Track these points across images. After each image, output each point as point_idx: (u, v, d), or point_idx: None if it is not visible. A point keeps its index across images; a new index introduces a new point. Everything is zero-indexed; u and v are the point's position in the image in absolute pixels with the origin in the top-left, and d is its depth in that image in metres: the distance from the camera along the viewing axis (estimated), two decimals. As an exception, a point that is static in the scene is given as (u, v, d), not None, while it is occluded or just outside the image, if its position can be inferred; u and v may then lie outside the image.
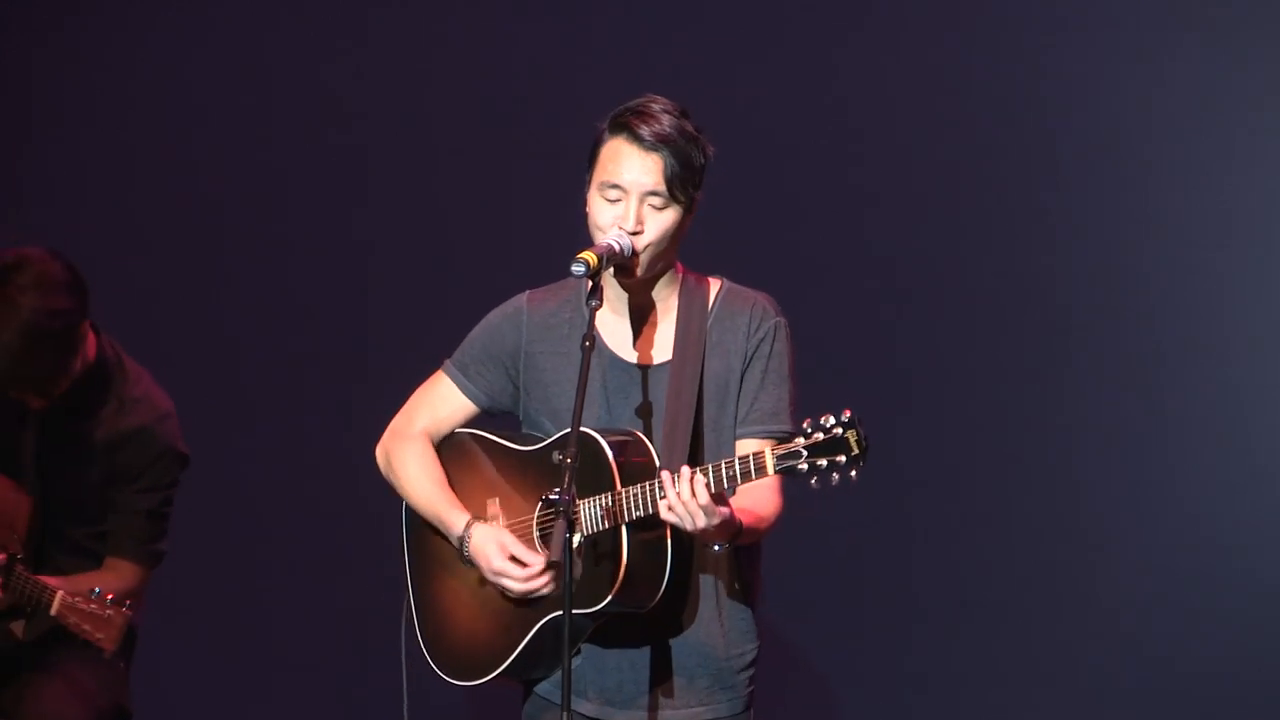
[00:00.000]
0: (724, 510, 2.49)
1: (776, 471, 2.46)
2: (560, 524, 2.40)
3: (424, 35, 5.06)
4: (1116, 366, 4.64)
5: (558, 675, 2.59)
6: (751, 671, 2.70)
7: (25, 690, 3.24)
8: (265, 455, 4.74)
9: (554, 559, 2.47)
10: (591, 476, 2.54)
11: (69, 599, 3.18)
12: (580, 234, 2.73)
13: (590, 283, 2.55)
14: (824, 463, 2.44)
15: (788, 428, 2.65)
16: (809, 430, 2.48)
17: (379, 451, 2.82)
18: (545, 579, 2.55)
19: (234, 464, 4.67)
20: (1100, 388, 4.65)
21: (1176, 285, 4.62)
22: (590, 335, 2.52)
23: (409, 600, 2.79)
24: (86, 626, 3.19)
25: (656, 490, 2.48)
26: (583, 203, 2.67)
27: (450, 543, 2.69)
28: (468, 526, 2.63)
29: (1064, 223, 4.68)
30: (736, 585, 2.67)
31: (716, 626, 2.65)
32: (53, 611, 3.17)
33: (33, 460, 3.31)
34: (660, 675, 2.64)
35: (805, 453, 2.44)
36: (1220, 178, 4.59)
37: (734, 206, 4.32)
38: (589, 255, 2.53)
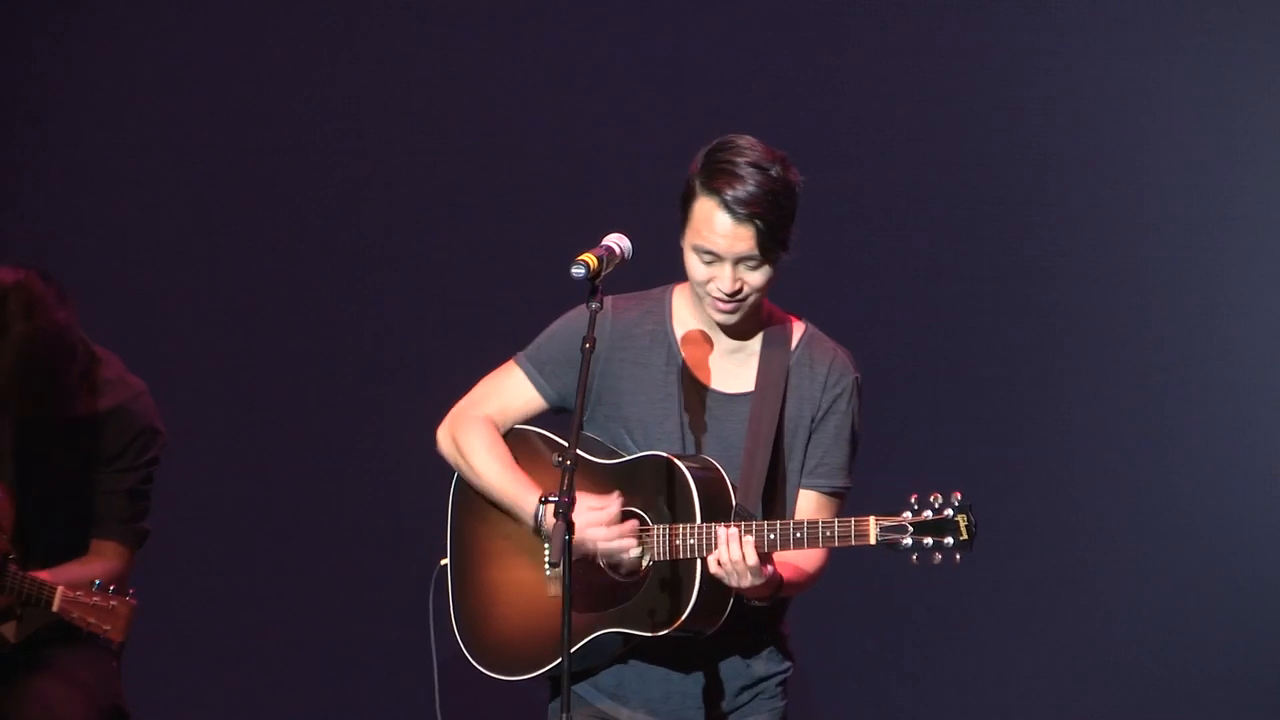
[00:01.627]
0: (769, 570, 2.53)
1: (878, 543, 2.49)
2: (559, 525, 2.40)
3: (423, 35, 5.08)
4: (1116, 366, 4.66)
5: (598, 679, 2.65)
6: (784, 689, 2.74)
7: (21, 690, 3.24)
8: (267, 454, 4.75)
9: (552, 561, 2.50)
10: (670, 504, 2.57)
11: (70, 594, 3.18)
12: (577, 232, 2.79)
13: (590, 285, 2.54)
14: (929, 541, 2.47)
15: (849, 484, 2.72)
16: (917, 507, 2.51)
17: (441, 434, 2.80)
18: (626, 529, 2.57)
19: (242, 464, 4.70)
20: (1098, 388, 4.67)
21: (1176, 285, 4.63)
22: (591, 338, 2.52)
23: (449, 584, 2.78)
24: (92, 620, 3.19)
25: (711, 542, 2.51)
26: (678, 246, 2.68)
27: (506, 525, 2.70)
28: (542, 500, 2.60)
29: (1063, 223, 4.69)
30: (776, 610, 2.71)
31: (757, 646, 2.69)
32: (55, 608, 3.16)
33: (10, 453, 3.31)
34: (703, 688, 2.67)
35: (911, 529, 2.47)
36: (1220, 178, 4.61)
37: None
38: (589, 257, 2.54)
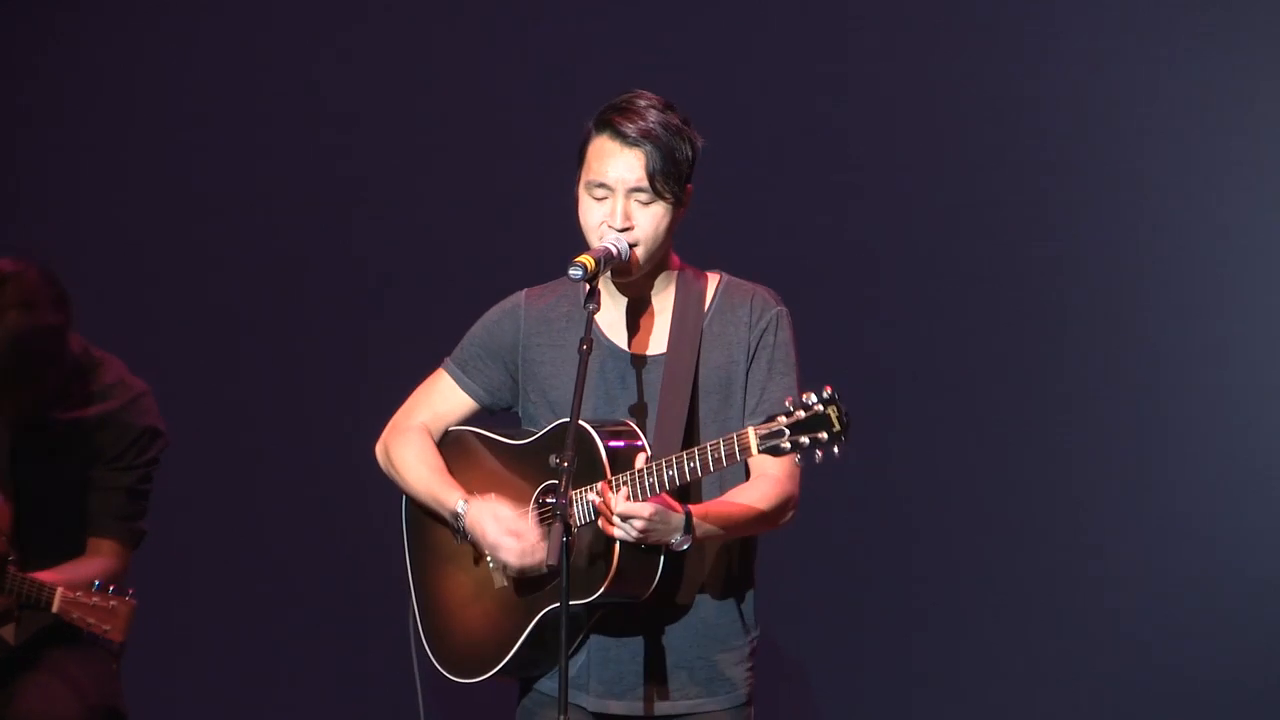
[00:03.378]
0: (675, 515, 2.50)
1: (761, 451, 2.46)
2: (557, 527, 2.39)
3: (419, 36, 5.08)
4: (1114, 367, 4.68)
5: (556, 672, 2.58)
6: (751, 663, 2.70)
7: (20, 691, 3.24)
8: (266, 456, 4.77)
9: (551, 563, 2.44)
10: (585, 467, 2.54)
11: (70, 594, 3.19)
12: (574, 233, 2.74)
13: (588, 286, 2.54)
14: (806, 440, 2.44)
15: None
16: (790, 408, 2.48)
17: (379, 447, 2.82)
18: (542, 551, 2.52)
19: (235, 465, 4.70)
20: (1097, 388, 4.69)
21: (1174, 286, 4.65)
22: (588, 339, 2.52)
23: (412, 599, 2.79)
24: (92, 620, 3.20)
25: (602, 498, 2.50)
26: (574, 202, 2.68)
27: (448, 531, 2.70)
28: (463, 501, 2.62)
29: (1061, 224, 4.70)
30: (733, 577, 2.68)
31: (715, 618, 2.66)
32: (55, 609, 3.17)
33: (9, 457, 3.31)
34: (659, 666, 2.64)
35: (788, 430, 2.44)
36: (1218, 178, 4.64)
37: (729, 204, 4.38)
38: (586, 259, 2.54)
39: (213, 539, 4.52)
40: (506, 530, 2.59)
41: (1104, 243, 4.69)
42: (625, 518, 2.47)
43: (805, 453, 2.46)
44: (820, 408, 2.44)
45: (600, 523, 2.49)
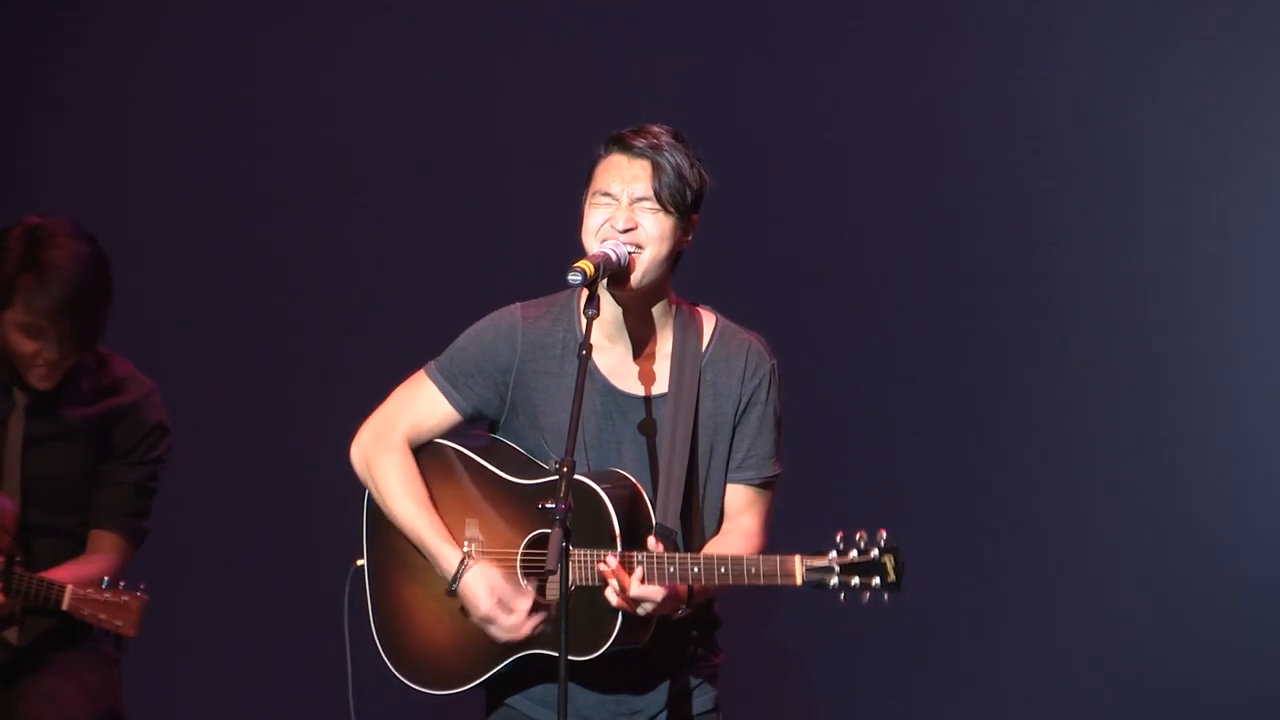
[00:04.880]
0: (679, 593, 2.52)
1: (805, 583, 2.45)
2: (557, 531, 2.36)
3: (419, 40, 5.09)
4: (1114, 371, 4.69)
5: (532, 690, 2.63)
6: (716, 679, 2.74)
7: (25, 691, 3.25)
8: (251, 455, 4.76)
9: (550, 568, 2.41)
10: (590, 528, 2.52)
11: (80, 592, 3.20)
12: (573, 240, 2.72)
13: (587, 291, 2.53)
14: (856, 582, 2.43)
15: (779, 470, 2.71)
16: (843, 547, 2.47)
17: (356, 451, 2.75)
18: (529, 627, 2.56)
19: (220, 464, 4.71)
20: (1097, 392, 4.70)
21: (1173, 289, 4.66)
22: (588, 344, 2.51)
23: (367, 597, 2.75)
24: (104, 616, 3.21)
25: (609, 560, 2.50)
26: (579, 223, 2.66)
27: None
28: (462, 563, 2.60)
29: (1059, 228, 4.71)
30: (706, 615, 2.71)
31: (686, 645, 2.68)
32: (65, 606, 3.18)
33: (20, 453, 3.33)
34: (635, 692, 2.66)
35: (838, 569, 2.43)
36: (1215, 181, 4.65)
37: (726, 215, 4.30)
38: (586, 264, 2.52)
39: (206, 539, 4.52)
40: (499, 607, 2.57)
41: (1102, 244, 4.69)
42: (637, 600, 2.48)
43: (851, 594, 2.44)
44: (875, 554, 2.43)
45: (607, 592, 2.49)
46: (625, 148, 2.60)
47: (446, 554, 2.61)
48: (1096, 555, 4.62)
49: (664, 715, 2.66)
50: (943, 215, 4.73)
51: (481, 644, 2.60)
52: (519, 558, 2.60)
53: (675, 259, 2.66)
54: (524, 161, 4.80)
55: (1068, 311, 4.72)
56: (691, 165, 2.62)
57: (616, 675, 2.64)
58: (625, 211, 2.58)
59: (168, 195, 5.12)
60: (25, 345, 3.23)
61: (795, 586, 2.47)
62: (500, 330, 2.70)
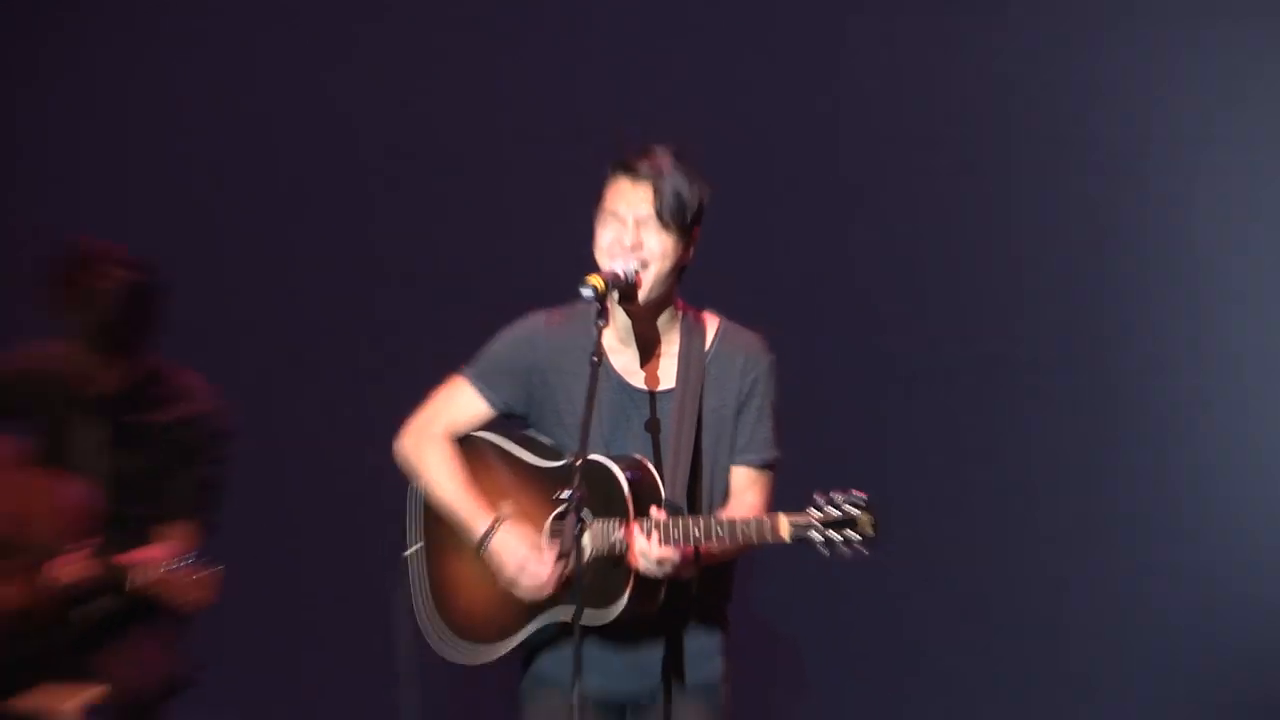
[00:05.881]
0: (690, 555, 2.77)
1: (792, 539, 2.73)
2: (570, 519, 2.65)
3: (426, 43, 5.25)
4: (1107, 374, 4.83)
5: (556, 655, 2.92)
6: (724, 651, 2.98)
7: (106, 661, 3.63)
8: (279, 454, 4.97)
9: (565, 550, 2.70)
10: (604, 502, 2.81)
11: (159, 570, 3.56)
12: (585, 250, 2.96)
13: (598, 305, 2.80)
14: (838, 536, 2.69)
15: (778, 454, 2.98)
16: (822, 504, 2.72)
17: (401, 445, 3.05)
18: (551, 585, 2.82)
19: (270, 466, 4.89)
20: (1090, 396, 4.85)
21: (1166, 292, 4.81)
22: (599, 353, 2.78)
23: (411, 574, 3.02)
24: (180, 591, 3.56)
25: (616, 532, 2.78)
26: (593, 243, 2.94)
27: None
28: (491, 528, 2.88)
29: (1054, 231, 4.84)
30: (714, 587, 2.95)
31: (699, 619, 2.95)
32: (144, 582, 3.55)
33: (108, 450, 3.69)
34: (653, 661, 2.91)
35: (819, 525, 2.69)
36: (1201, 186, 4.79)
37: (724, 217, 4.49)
38: (596, 280, 2.80)
39: (255, 532, 4.64)
40: (523, 567, 2.86)
41: (1082, 247, 4.82)
42: (660, 561, 2.76)
43: (834, 548, 2.71)
44: (854, 510, 2.68)
45: (630, 556, 2.78)
46: (629, 171, 2.86)
47: (479, 522, 2.89)
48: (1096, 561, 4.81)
49: (677, 682, 2.91)
50: (938, 222, 4.88)
51: (511, 609, 2.89)
52: (545, 531, 2.88)
53: (679, 272, 2.94)
54: (542, 166, 4.97)
55: (1064, 312, 4.85)
56: (691, 184, 2.86)
57: (635, 643, 2.91)
58: (631, 231, 2.84)
59: (179, 194, 5.31)
60: (85, 357, 3.64)
61: (784, 544, 2.74)
62: (526, 335, 2.97)
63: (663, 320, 2.97)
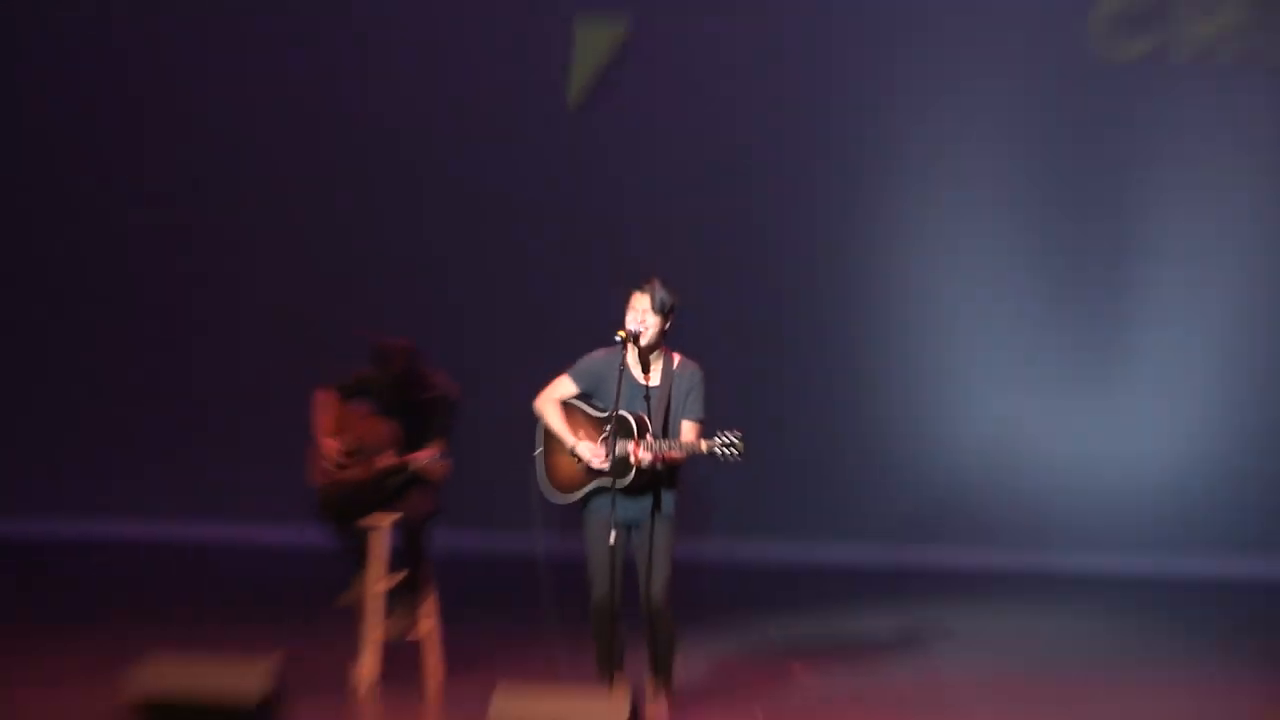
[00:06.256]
0: (659, 458, 5.46)
1: (707, 452, 5.49)
2: (610, 439, 5.67)
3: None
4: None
5: (599, 500, 5.68)
6: (675, 504, 5.81)
7: (404, 500, 6.58)
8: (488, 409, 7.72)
9: (608, 450, 5.68)
10: (624, 431, 5.54)
11: (424, 462, 6.43)
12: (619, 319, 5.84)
13: (623, 345, 5.68)
14: (729, 452, 5.43)
15: (704, 417, 5.72)
16: (719, 434, 5.42)
17: (536, 404, 5.75)
18: (598, 464, 5.61)
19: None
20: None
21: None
22: (623, 365, 5.66)
23: (539, 464, 5.82)
24: (433, 471, 6.46)
25: (643, 451, 5.56)
26: (622, 314, 5.72)
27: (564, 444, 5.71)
28: (575, 440, 5.68)
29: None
30: (668, 473, 5.75)
31: (666, 485, 5.75)
32: (418, 468, 6.47)
33: (403, 409, 6.58)
34: (643, 505, 5.72)
35: (720, 445, 5.44)
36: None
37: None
38: (623, 333, 5.68)
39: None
40: (591, 457, 5.58)
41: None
42: (649, 460, 5.42)
43: (726, 457, 5.43)
44: (735, 439, 5.41)
45: (632, 457, 5.47)
46: (641, 289, 5.60)
47: (569, 438, 5.67)
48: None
49: (653, 512, 5.66)
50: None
51: (580, 478, 5.70)
52: (599, 442, 5.64)
53: (663, 333, 5.62)
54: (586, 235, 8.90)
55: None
56: (668, 296, 5.56)
57: (636, 495, 5.62)
58: (640, 314, 5.62)
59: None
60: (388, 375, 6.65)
61: (704, 454, 5.47)
62: (593, 357, 5.76)
63: (654, 354, 5.71)
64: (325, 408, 6.63)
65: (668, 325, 5.76)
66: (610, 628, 5.72)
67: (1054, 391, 9.35)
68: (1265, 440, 9.25)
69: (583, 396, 5.93)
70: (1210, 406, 9.26)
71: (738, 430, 5.59)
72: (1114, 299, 8.97)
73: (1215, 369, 9.26)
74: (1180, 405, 9.24)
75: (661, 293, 5.73)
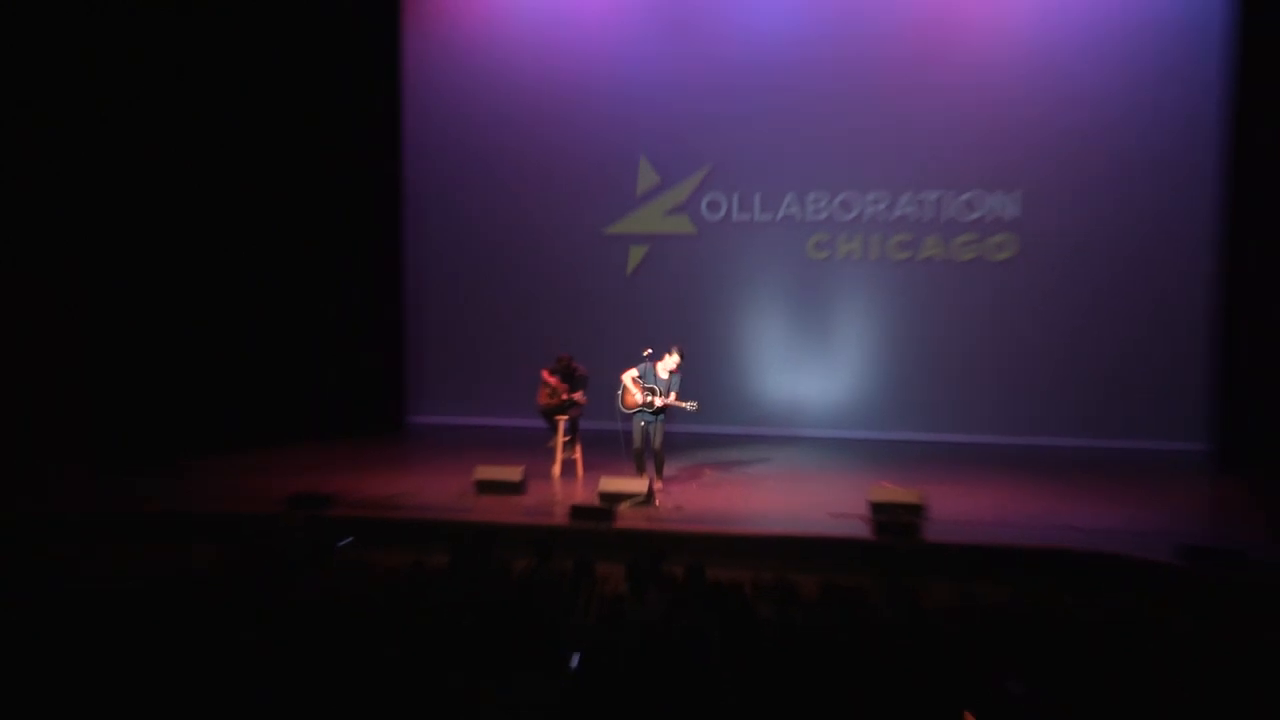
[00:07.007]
0: (666, 402, 15.16)
1: (680, 405, 15.24)
2: (647, 394, 17.05)
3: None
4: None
5: (639, 414, 15.48)
6: (666, 412, 16.26)
7: (574, 408, 17.13)
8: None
9: (649, 401, 17.25)
10: (651, 392, 14.88)
11: (582, 397, 16.69)
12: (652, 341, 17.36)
13: (651, 357, 16.75)
14: (687, 406, 14.99)
15: (677, 390, 15.16)
16: (691, 402, 15.38)
17: (623, 377, 15.15)
18: (643, 399, 15.83)
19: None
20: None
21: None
22: (650, 368, 16.40)
23: (619, 401, 15.77)
24: (579, 403, 17.18)
25: (658, 399, 15.43)
26: (643, 356, 17.25)
27: (639, 390, 15.77)
28: (642, 392, 16.09)
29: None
30: (668, 408, 15.53)
31: (662, 412, 15.61)
32: (579, 398, 16.93)
33: (567, 376, 17.81)
34: (654, 413, 15.86)
35: (686, 403, 15.10)
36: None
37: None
38: (648, 351, 16.24)
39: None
40: (641, 398, 15.49)
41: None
42: (661, 403, 15.29)
43: (686, 406, 14.85)
44: (693, 404, 15.92)
45: (657, 400, 15.33)
46: (673, 351, 16.87)
47: (636, 392, 15.19)
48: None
49: (660, 416, 16.56)
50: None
51: (635, 406, 15.23)
52: (644, 391, 15.45)
53: (679, 366, 16.95)
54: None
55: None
56: (682, 351, 16.29)
57: (653, 415, 15.30)
58: (674, 360, 15.58)
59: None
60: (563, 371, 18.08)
61: (677, 406, 15.39)
62: (641, 364, 15.29)
63: (662, 363, 17.09)
64: (546, 375, 16.39)
65: (683, 360, 15.96)
66: (640, 458, 15.14)
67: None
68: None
69: (639, 378, 15.62)
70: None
71: (693, 403, 15.84)
72: None
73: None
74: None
75: (678, 354, 16.01)
